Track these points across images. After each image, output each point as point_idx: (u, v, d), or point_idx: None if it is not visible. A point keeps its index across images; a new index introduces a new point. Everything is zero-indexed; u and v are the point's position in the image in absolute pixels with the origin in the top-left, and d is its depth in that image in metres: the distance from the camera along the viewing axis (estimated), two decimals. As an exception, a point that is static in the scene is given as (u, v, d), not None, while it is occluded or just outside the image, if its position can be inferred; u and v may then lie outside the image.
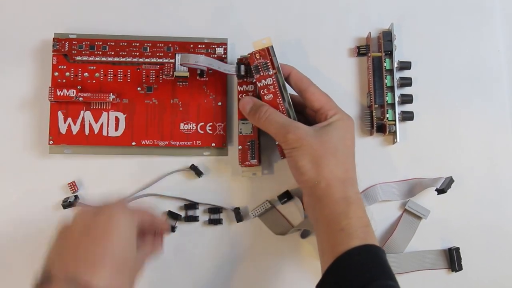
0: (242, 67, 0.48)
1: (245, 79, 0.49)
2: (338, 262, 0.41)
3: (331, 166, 0.43)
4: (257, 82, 0.47)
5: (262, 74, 0.47)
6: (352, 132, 0.47)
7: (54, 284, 0.36)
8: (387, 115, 0.51)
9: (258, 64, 0.46)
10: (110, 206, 0.40)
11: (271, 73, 0.46)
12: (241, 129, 0.49)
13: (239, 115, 0.49)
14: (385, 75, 0.52)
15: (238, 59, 0.49)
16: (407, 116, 0.52)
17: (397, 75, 0.52)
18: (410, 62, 0.53)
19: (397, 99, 0.52)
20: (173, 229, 0.50)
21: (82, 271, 0.36)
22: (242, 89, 0.49)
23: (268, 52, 0.46)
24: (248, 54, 0.47)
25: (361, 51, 0.53)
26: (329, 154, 0.44)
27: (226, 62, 0.51)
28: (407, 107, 0.53)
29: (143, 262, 0.43)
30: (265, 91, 0.47)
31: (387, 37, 0.52)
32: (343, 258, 0.40)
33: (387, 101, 0.51)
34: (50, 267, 0.37)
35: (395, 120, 0.51)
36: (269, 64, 0.46)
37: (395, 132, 0.51)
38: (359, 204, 0.43)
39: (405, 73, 0.53)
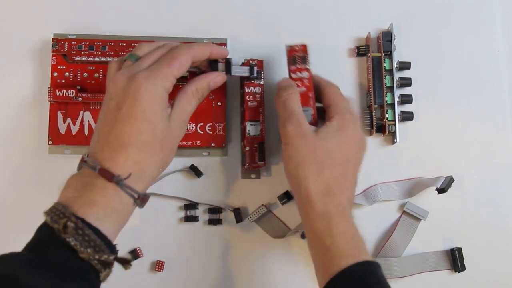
0: (255, 69, 0.49)
1: (253, 81, 0.49)
2: (330, 286, 0.39)
3: (314, 176, 0.41)
4: (291, 73, 0.47)
5: (298, 66, 0.46)
6: (354, 137, 0.44)
7: (84, 168, 0.38)
8: (387, 115, 0.51)
9: (296, 56, 0.46)
10: (137, 75, 0.39)
11: (308, 67, 0.47)
12: (249, 130, 0.49)
13: (246, 116, 0.49)
14: (385, 75, 0.52)
15: (245, 60, 0.49)
16: (407, 116, 0.52)
17: (397, 75, 0.52)
18: (409, 62, 0.52)
19: (396, 99, 0.52)
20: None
21: (105, 156, 0.38)
22: (249, 91, 0.49)
23: (307, 49, 0.47)
24: (288, 46, 0.47)
25: (360, 51, 0.53)
26: (315, 162, 0.42)
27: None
28: (407, 107, 0.53)
29: (180, 124, 0.42)
30: (298, 83, 0.46)
31: (386, 37, 0.52)
32: (334, 282, 0.38)
33: (386, 101, 0.51)
34: (89, 146, 0.40)
35: (394, 120, 0.51)
36: (307, 58, 0.47)
37: (394, 132, 0.51)
38: (341, 218, 0.41)
39: (405, 73, 0.53)
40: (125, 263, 0.38)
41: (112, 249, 0.37)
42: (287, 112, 0.44)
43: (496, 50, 0.55)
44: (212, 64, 0.46)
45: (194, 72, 0.47)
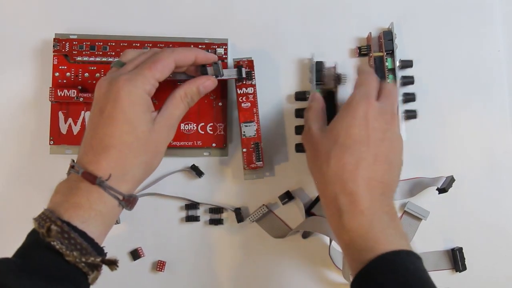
0: (243, 70, 0.48)
1: (244, 82, 0.49)
2: (357, 283, 0.37)
3: (323, 169, 0.40)
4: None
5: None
6: (363, 116, 0.40)
7: (71, 174, 0.39)
8: None
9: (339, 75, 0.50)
10: (118, 78, 0.39)
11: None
12: (244, 132, 0.49)
13: (240, 118, 0.49)
14: (388, 75, 0.52)
15: (235, 60, 0.49)
16: (411, 115, 0.52)
17: (399, 73, 0.52)
18: (411, 61, 0.52)
19: (400, 97, 0.52)
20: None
21: (89, 160, 0.39)
22: (241, 92, 0.49)
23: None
24: (335, 63, 0.50)
25: (362, 51, 0.53)
26: (320, 155, 0.41)
27: (226, 63, 0.52)
28: (410, 106, 0.53)
29: (166, 127, 0.42)
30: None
31: (387, 36, 0.52)
32: (359, 279, 0.37)
33: None
34: (78, 154, 0.40)
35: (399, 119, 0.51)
36: (346, 78, 0.50)
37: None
38: (353, 210, 0.38)
39: (407, 72, 0.53)
40: (111, 264, 0.38)
41: (100, 251, 0.38)
42: (304, 123, 0.46)
43: (496, 50, 0.55)
44: (201, 69, 0.45)
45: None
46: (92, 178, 0.38)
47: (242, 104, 0.49)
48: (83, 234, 0.36)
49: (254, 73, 0.50)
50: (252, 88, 0.49)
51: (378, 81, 0.44)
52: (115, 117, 0.38)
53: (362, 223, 0.38)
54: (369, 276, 0.36)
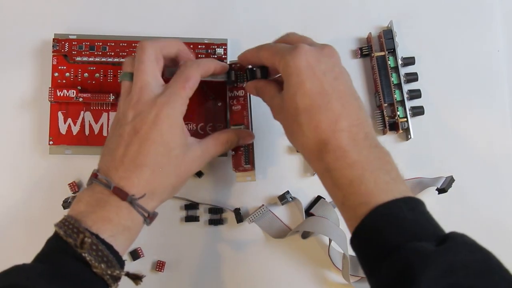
0: (233, 73, 0.48)
1: (236, 85, 0.48)
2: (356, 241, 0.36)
3: (299, 139, 0.39)
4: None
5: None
6: (306, 65, 0.38)
7: (95, 184, 0.39)
8: (398, 113, 0.51)
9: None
10: (156, 101, 0.40)
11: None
12: None
13: (230, 120, 0.48)
14: (391, 73, 0.52)
15: (228, 64, 0.49)
16: (418, 111, 0.52)
17: (403, 71, 0.52)
18: (413, 57, 0.53)
19: (405, 95, 0.52)
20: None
21: (120, 176, 0.39)
22: (232, 95, 0.48)
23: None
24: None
25: (363, 52, 0.53)
26: (292, 126, 0.39)
27: (226, 63, 0.51)
28: (416, 102, 0.53)
29: (200, 158, 0.43)
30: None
31: (387, 35, 0.52)
32: (358, 236, 0.35)
33: (396, 99, 0.51)
34: (100, 163, 0.41)
35: (406, 117, 0.51)
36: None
37: (407, 129, 0.51)
38: (340, 166, 0.36)
39: (410, 69, 0.53)
40: (136, 279, 0.39)
41: (122, 264, 0.39)
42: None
43: (496, 50, 0.55)
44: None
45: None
46: (123, 195, 0.38)
47: (233, 107, 0.48)
48: (109, 247, 0.37)
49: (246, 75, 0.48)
50: (243, 91, 0.48)
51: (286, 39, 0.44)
52: (152, 138, 0.39)
53: (353, 178, 0.36)
54: (365, 233, 0.35)
